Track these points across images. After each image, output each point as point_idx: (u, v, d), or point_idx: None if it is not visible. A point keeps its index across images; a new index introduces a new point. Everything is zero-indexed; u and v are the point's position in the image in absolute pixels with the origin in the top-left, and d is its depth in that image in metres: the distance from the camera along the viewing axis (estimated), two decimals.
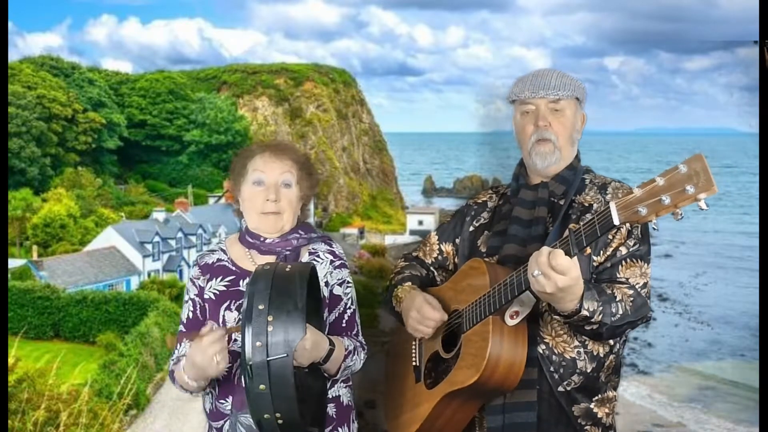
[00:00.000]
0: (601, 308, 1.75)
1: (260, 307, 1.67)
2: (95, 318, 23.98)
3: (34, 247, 34.44)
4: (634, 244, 1.90)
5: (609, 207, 1.58)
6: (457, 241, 2.20)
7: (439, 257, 2.24)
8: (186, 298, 2.07)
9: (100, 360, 19.31)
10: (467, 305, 1.93)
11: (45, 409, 4.42)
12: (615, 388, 2.01)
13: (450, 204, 64.34)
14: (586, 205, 1.98)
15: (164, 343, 20.77)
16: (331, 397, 2.02)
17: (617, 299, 1.79)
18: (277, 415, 1.65)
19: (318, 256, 2.05)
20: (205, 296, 2.02)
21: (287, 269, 1.76)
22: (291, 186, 2.03)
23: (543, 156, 2.00)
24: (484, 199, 2.22)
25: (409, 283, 2.14)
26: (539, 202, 2.01)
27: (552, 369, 1.90)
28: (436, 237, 2.26)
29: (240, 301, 1.96)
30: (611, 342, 1.93)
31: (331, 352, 1.86)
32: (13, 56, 56.91)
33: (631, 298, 1.82)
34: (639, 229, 1.92)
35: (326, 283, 2.03)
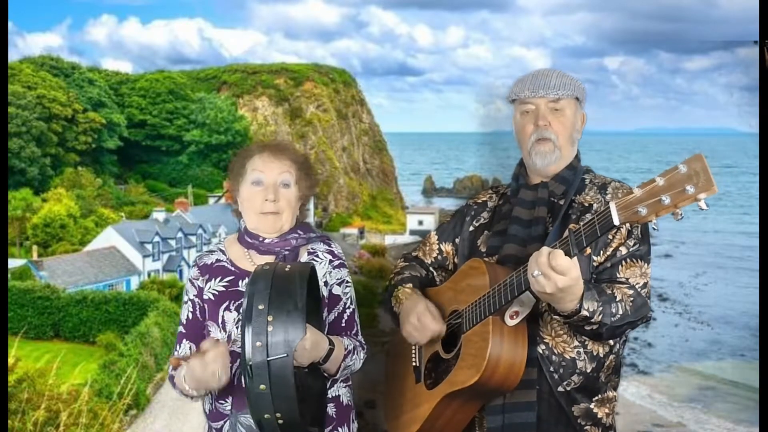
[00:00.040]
0: (601, 308, 1.75)
1: (260, 307, 1.67)
2: (95, 318, 23.98)
3: (34, 247, 34.44)
4: (634, 244, 1.90)
5: (609, 207, 1.58)
6: (457, 240, 2.20)
7: (439, 257, 2.24)
8: (185, 298, 2.07)
9: (100, 360, 19.32)
10: (467, 305, 1.93)
11: (45, 409, 4.42)
12: (615, 388, 2.01)
13: (450, 204, 64.33)
14: (586, 205, 1.97)
15: (164, 345, 20.79)
16: (330, 396, 2.02)
17: (617, 299, 1.79)
18: (278, 415, 1.65)
19: (317, 256, 2.05)
20: (205, 297, 2.02)
21: (287, 269, 1.76)
22: (290, 186, 2.03)
23: (543, 155, 2.00)
24: (484, 199, 2.21)
25: (411, 285, 2.13)
26: (539, 202, 2.01)
27: (552, 369, 1.90)
28: (436, 237, 2.26)
29: (239, 302, 1.96)
30: (611, 342, 1.93)
31: (330, 351, 1.86)
32: (13, 56, 56.96)
33: (631, 299, 1.82)
34: (639, 229, 1.92)
35: (325, 283, 2.02)
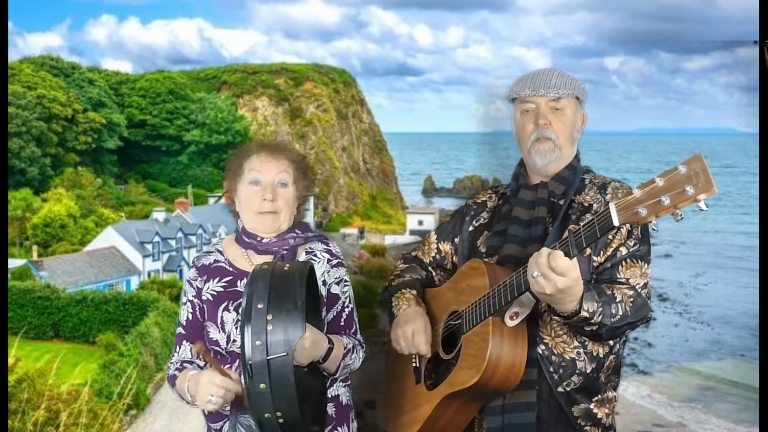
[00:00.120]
0: (600, 309, 1.75)
1: (259, 306, 1.67)
2: (95, 318, 23.97)
3: (34, 247, 34.44)
4: (634, 245, 1.90)
5: (609, 208, 1.58)
6: (456, 240, 2.20)
7: (437, 257, 2.23)
8: (183, 299, 2.06)
9: (100, 360, 19.31)
10: (467, 306, 1.93)
11: (45, 409, 4.41)
12: (615, 389, 2.00)
13: (450, 204, 64.30)
14: (586, 205, 1.97)
15: (164, 345, 20.77)
16: (329, 396, 2.02)
17: (617, 300, 1.79)
18: (278, 414, 1.64)
19: (315, 255, 2.05)
20: (203, 297, 2.02)
21: (285, 268, 1.76)
22: (287, 185, 2.03)
23: (543, 154, 2.00)
24: (484, 199, 2.21)
25: (414, 293, 2.13)
26: (539, 202, 2.01)
27: (552, 369, 1.90)
28: (435, 237, 2.26)
29: (238, 302, 1.96)
30: (611, 342, 1.93)
31: (330, 350, 1.86)
32: (13, 56, 56.95)
33: (631, 299, 1.82)
34: (639, 230, 1.91)
35: (324, 282, 2.02)
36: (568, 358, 1.90)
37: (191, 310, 2.03)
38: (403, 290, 2.13)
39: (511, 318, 1.83)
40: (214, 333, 1.98)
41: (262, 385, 1.63)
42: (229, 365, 1.94)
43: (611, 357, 1.95)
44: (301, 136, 58.87)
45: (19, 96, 43.36)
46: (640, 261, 1.89)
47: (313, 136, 59.96)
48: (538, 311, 1.90)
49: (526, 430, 1.90)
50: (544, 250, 1.66)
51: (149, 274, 33.13)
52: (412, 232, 49.40)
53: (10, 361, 4.99)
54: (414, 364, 2.11)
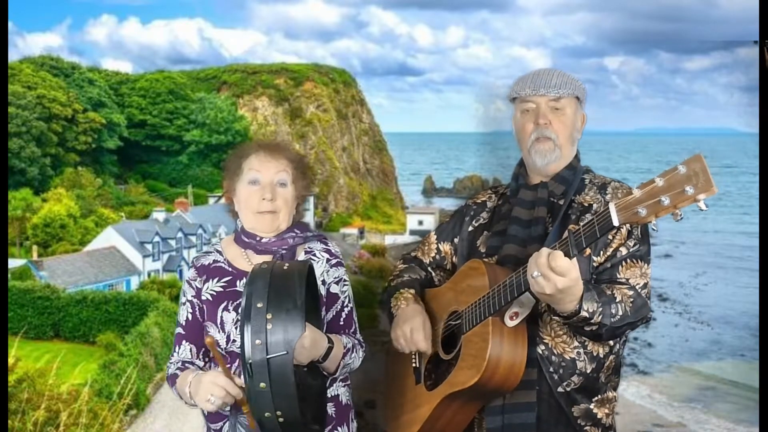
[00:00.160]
0: (600, 309, 1.75)
1: (259, 305, 1.66)
2: (95, 318, 23.97)
3: (34, 247, 34.44)
4: (634, 245, 1.90)
5: (608, 208, 1.58)
6: (456, 240, 2.20)
7: (437, 257, 2.24)
8: (183, 300, 2.06)
9: (100, 360, 19.31)
10: (467, 306, 1.93)
11: (45, 409, 4.41)
12: (615, 389, 2.00)
13: (450, 204, 64.29)
14: (586, 205, 1.97)
15: (164, 345, 20.77)
16: (329, 396, 2.02)
17: (617, 300, 1.79)
18: (278, 413, 1.64)
19: (314, 255, 2.05)
20: (203, 297, 2.02)
21: (285, 267, 1.76)
22: (286, 185, 2.03)
23: (543, 154, 1.99)
24: (484, 199, 2.21)
25: (413, 292, 2.13)
26: (539, 202, 2.01)
27: (551, 369, 1.90)
28: (435, 237, 2.26)
29: (238, 302, 1.96)
30: (611, 342, 1.93)
31: (329, 350, 1.86)
32: (13, 56, 56.94)
33: (631, 299, 1.82)
34: (639, 230, 1.91)
35: (323, 282, 2.02)
36: (568, 358, 1.90)
37: (191, 310, 2.03)
38: (402, 290, 2.14)
39: (511, 318, 1.83)
40: (214, 333, 1.98)
41: (262, 384, 1.63)
42: (228, 365, 1.93)
43: (611, 357, 1.95)
44: (301, 136, 58.86)
45: (19, 96, 43.36)
46: (640, 261, 1.89)
47: (313, 136, 59.95)
48: (538, 311, 1.90)
49: (526, 430, 1.90)
50: (544, 250, 1.66)
51: (149, 274, 33.14)
52: (412, 232, 49.40)
53: (10, 361, 4.99)
54: (414, 365, 2.11)
